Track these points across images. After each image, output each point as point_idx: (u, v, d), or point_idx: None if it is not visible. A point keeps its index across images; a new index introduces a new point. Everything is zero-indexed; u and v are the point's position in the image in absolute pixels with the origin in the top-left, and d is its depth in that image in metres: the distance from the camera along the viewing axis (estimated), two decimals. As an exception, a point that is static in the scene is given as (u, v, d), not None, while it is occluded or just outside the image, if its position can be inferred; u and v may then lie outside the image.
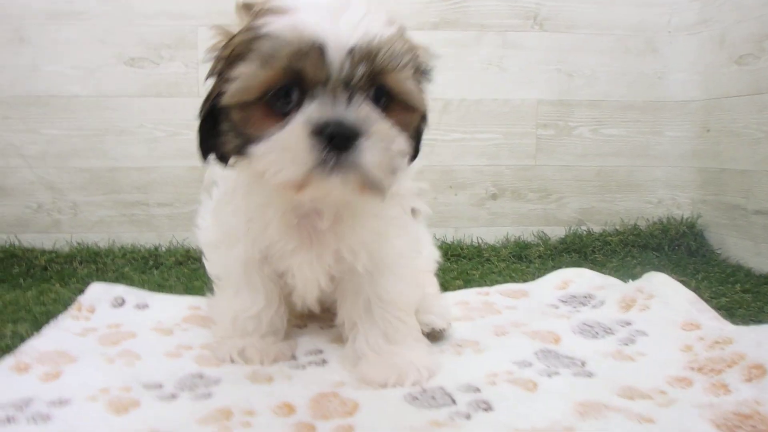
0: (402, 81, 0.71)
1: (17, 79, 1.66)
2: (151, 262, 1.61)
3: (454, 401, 0.75)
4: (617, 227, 1.85)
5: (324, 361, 0.90)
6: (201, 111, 0.75)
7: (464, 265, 1.63)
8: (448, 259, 1.67)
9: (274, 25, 0.66)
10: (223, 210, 0.87)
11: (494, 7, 1.78)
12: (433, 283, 1.10)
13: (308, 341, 0.98)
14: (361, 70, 0.66)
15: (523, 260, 1.70)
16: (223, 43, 0.74)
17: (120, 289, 1.20)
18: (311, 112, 0.66)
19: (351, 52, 0.65)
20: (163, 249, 1.67)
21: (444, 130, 1.81)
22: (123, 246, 1.68)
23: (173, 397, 0.77)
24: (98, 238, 1.70)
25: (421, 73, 0.77)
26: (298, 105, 0.67)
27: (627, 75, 1.85)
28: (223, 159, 0.76)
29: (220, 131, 0.73)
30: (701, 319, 0.95)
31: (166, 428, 0.67)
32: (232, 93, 0.68)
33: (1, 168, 1.68)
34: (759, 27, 1.57)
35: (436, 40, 1.77)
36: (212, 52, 0.75)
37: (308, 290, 0.87)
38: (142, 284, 1.44)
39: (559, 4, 1.80)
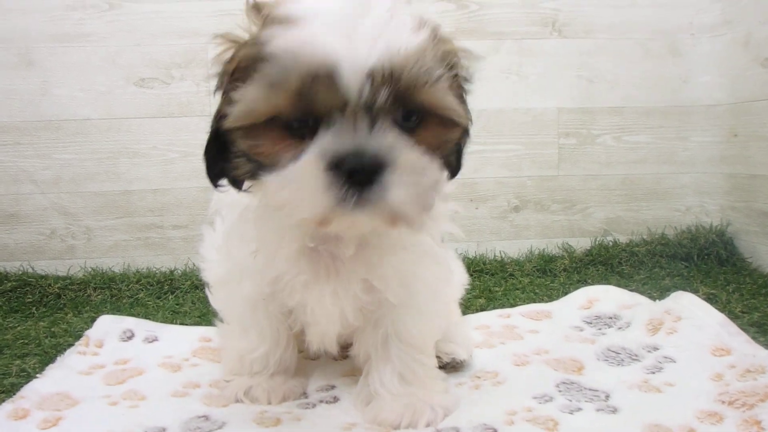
0: (437, 95, 0.60)
1: (27, 104, 1.63)
2: (166, 287, 1.57)
3: None
4: (644, 237, 1.79)
5: (335, 399, 0.86)
6: (209, 133, 0.67)
7: (487, 282, 1.58)
8: (471, 275, 1.61)
9: (280, 41, 0.56)
10: (229, 242, 0.79)
11: (511, 14, 1.73)
12: (457, 311, 1.05)
13: (320, 376, 0.94)
14: (384, 92, 0.56)
15: (547, 274, 1.65)
16: (228, 55, 0.64)
17: (129, 322, 1.17)
18: (327, 143, 0.56)
19: (371, 73, 0.55)
20: (179, 272, 1.63)
21: (463, 142, 1.76)
22: (138, 270, 1.64)
23: None
24: (113, 262, 1.67)
25: (461, 81, 0.68)
26: (313, 130, 0.58)
27: (649, 79, 1.79)
28: (236, 184, 0.67)
29: (230, 154, 0.64)
30: (732, 343, 0.91)
31: None
32: (236, 117, 0.59)
33: (14, 195, 1.65)
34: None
35: (453, 50, 1.73)
36: (217, 65, 0.65)
37: (329, 327, 0.79)
38: (157, 310, 1.41)
39: (577, 9, 1.75)
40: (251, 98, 0.58)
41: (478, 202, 1.78)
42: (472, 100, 1.75)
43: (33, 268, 1.63)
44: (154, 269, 1.65)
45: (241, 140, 0.61)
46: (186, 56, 1.65)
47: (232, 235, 0.79)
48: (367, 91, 0.55)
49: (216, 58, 0.66)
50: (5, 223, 1.66)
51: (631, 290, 1.32)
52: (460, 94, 0.67)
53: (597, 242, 1.78)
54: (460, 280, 1.07)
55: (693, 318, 0.98)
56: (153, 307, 1.44)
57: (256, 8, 0.63)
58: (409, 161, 0.58)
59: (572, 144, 1.79)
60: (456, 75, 0.66)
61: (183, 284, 1.57)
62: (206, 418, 0.79)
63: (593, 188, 1.81)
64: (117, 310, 1.40)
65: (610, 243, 1.77)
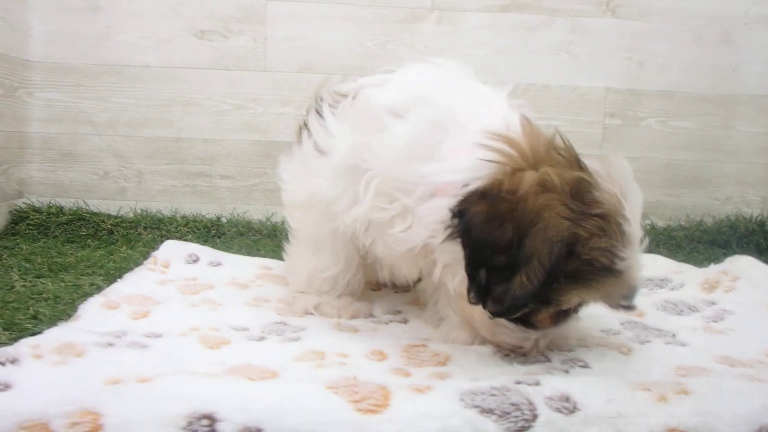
0: None
1: (90, 48, 1.68)
2: (213, 232, 1.62)
3: (548, 359, 0.73)
4: (682, 222, 1.80)
5: (405, 320, 0.90)
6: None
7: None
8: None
9: (627, 265, 0.65)
10: (334, 182, 0.80)
11: (566, -9, 1.74)
12: None
13: (385, 302, 0.98)
14: None
15: (585, 250, 1.66)
16: (557, 213, 0.64)
17: (193, 247, 1.22)
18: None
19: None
20: (224, 220, 1.68)
21: (508, 115, 1.78)
22: (185, 215, 1.69)
23: (262, 338, 0.77)
24: (161, 206, 1.72)
25: None
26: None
27: (700, 66, 1.79)
28: (510, 311, 0.68)
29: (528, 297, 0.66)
30: None
31: (261, 363, 0.66)
32: (561, 303, 0.68)
33: (72, 134, 1.71)
34: None
35: (505, 23, 1.75)
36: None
37: (408, 271, 0.84)
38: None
39: (633, -10, 1.75)
40: (584, 297, 0.69)
41: (518, 176, 1.80)
42: (519, 74, 1.78)
43: (87, 205, 1.69)
44: (201, 216, 1.70)
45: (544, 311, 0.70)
46: (245, 11, 1.69)
47: (321, 170, 0.82)
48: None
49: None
50: (62, 161, 1.72)
51: (671, 269, 1.33)
52: None
53: (634, 224, 1.79)
54: None
55: (751, 278, 1.00)
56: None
57: (581, 189, 0.66)
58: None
59: (617, 125, 1.80)
60: None
61: (229, 230, 1.62)
62: (284, 323, 0.83)
63: (635, 170, 1.78)
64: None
65: (648, 226, 1.78)
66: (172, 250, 1.18)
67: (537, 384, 0.60)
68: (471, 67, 0.85)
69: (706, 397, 0.59)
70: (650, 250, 1.62)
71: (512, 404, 0.54)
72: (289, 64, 1.72)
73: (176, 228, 1.62)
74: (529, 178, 0.65)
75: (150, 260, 1.14)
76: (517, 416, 0.53)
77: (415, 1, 1.71)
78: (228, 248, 1.49)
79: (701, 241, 1.72)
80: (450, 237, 0.67)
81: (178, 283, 1.03)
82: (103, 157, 1.73)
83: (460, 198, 0.66)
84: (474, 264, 0.66)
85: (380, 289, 1.05)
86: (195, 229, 1.63)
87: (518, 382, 0.61)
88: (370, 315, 0.91)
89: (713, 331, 0.87)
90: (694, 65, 1.79)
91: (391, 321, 0.90)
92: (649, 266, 1.23)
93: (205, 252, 1.21)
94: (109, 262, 1.27)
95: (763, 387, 0.61)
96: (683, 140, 1.82)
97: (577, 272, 0.64)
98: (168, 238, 1.57)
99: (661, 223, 1.80)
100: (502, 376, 0.66)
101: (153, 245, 1.49)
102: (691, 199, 1.84)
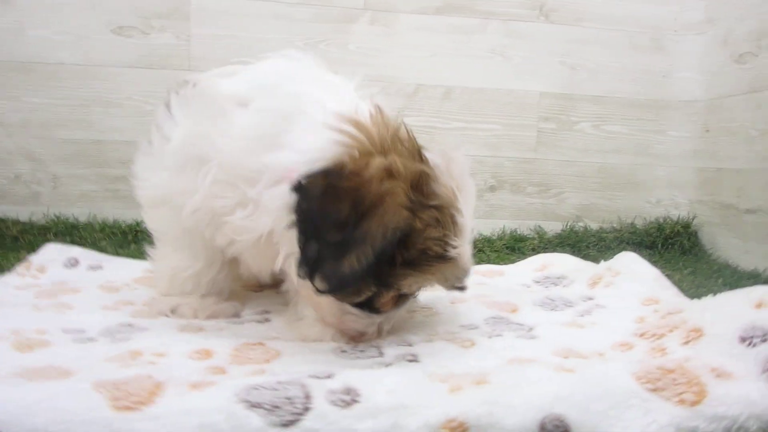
0: None
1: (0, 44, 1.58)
2: (130, 237, 1.54)
3: (381, 353, 0.72)
4: (614, 225, 1.82)
5: (267, 320, 0.87)
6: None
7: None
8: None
9: (458, 252, 0.69)
10: (176, 173, 0.78)
11: (501, -6, 1.74)
12: None
13: (259, 303, 0.94)
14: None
15: (516, 251, 1.67)
16: (395, 199, 0.66)
17: (76, 251, 1.16)
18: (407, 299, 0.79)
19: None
20: (145, 225, 1.60)
21: (444, 118, 1.76)
22: (103, 221, 1.60)
23: (90, 340, 0.73)
24: (79, 212, 1.63)
25: None
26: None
27: (632, 72, 1.82)
28: (337, 288, 0.67)
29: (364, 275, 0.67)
30: (663, 294, 0.94)
31: (64, 364, 0.63)
32: (400, 285, 0.70)
33: (-21, 135, 1.60)
34: (758, 24, 1.55)
35: (439, 25, 1.73)
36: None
37: (262, 268, 0.83)
38: (116, 255, 1.38)
39: (567, -5, 1.76)
40: (420, 280, 0.71)
41: (454, 180, 1.78)
42: (455, 77, 1.76)
43: (-6, 212, 1.58)
44: (121, 221, 1.61)
45: (385, 293, 0.72)
46: (168, 7, 1.62)
47: (180, 166, 0.78)
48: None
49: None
50: (-32, 165, 1.60)
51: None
52: None
53: (568, 227, 1.80)
54: None
55: (629, 273, 1.02)
56: (112, 254, 1.42)
57: (421, 181, 0.69)
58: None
59: (551, 128, 1.81)
60: None
61: (148, 236, 1.53)
62: (130, 325, 0.79)
63: (569, 174, 1.83)
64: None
65: (581, 228, 1.80)
66: (51, 253, 1.12)
67: (328, 377, 0.57)
68: (323, 60, 0.83)
69: (501, 386, 0.57)
70: (580, 251, 1.69)
71: (286, 398, 0.52)
72: (215, 63, 1.60)
73: (90, 234, 1.53)
74: (377, 163, 0.67)
75: (23, 264, 1.07)
76: (287, 410, 0.51)
77: (348, 1, 1.68)
78: (142, 254, 1.42)
79: (630, 243, 1.75)
80: (293, 223, 0.67)
81: (41, 289, 0.97)
82: (13, 160, 1.62)
83: (302, 175, 0.66)
84: (306, 235, 0.65)
85: (262, 290, 1.01)
86: (111, 235, 1.54)
87: (311, 376, 0.58)
88: (235, 315, 0.87)
89: (574, 325, 0.86)
90: (627, 71, 1.81)
91: (251, 321, 0.86)
92: (556, 265, 1.25)
93: (86, 255, 1.16)
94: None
95: (567, 376, 0.59)
96: (616, 144, 1.84)
97: (415, 260, 0.67)
98: (80, 245, 1.49)
99: (594, 225, 1.82)
100: (309, 369, 0.63)
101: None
102: (623, 202, 1.86)
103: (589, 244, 1.73)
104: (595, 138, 1.83)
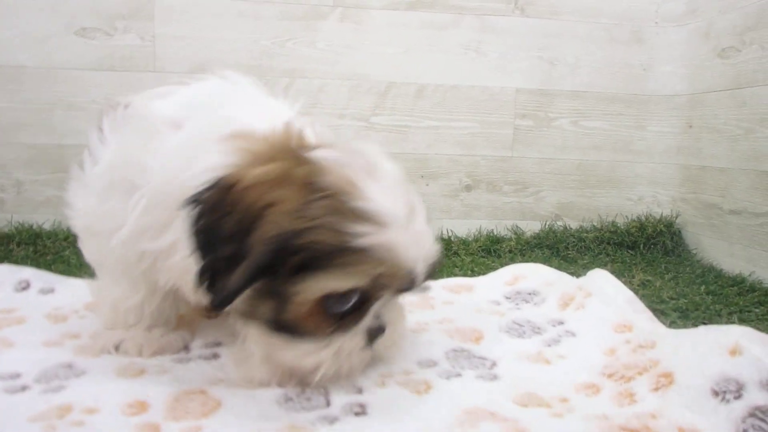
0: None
1: (-41, 46, 1.54)
2: (96, 246, 1.51)
3: (328, 403, 0.68)
4: (595, 224, 1.78)
5: (215, 355, 0.82)
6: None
7: (430, 259, 1.55)
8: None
9: (370, 241, 0.61)
10: (104, 198, 0.75)
11: (474, -12, 1.69)
12: None
13: (210, 332, 0.89)
14: (425, 277, 0.69)
15: (492, 255, 1.62)
16: (291, 226, 0.61)
17: (28, 273, 1.11)
18: (370, 321, 0.69)
19: (426, 266, 0.67)
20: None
21: (417, 117, 1.72)
22: (68, 228, 1.57)
23: (23, 389, 0.69)
24: (43, 218, 1.59)
25: None
26: (355, 309, 0.66)
27: (611, 66, 1.77)
28: (222, 304, 0.64)
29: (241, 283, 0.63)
30: (635, 320, 0.89)
31: None
32: (297, 296, 0.63)
33: (-60, 141, 1.57)
34: (742, 18, 1.50)
35: (412, 21, 1.68)
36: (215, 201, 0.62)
37: (202, 301, 0.76)
38: (80, 267, 1.35)
39: (542, -13, 1.71)
40: (325, 284, 0.63)
41: (429, 179, 1.74)
42: (428, 74, 1.72)
43: (-44, 219, 1.55)
44: (88, 228, 1.58)
45: (291, 307, 0.65)
46: (131, 7, 1.57)
47: (107, 192, 0.74)
48: (420, 282, 0.68)
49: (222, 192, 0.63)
50: (-71, 171, 1.57)
51: (570, 273, 1.30)
52: None
53: (546, 226, 1.76)
54: None
55: (602, 294, 0.96)
56: (76, 264, 1.38)
57: (309, 180, 0.63)
58: (399, 324, 0.76)
59: (528, 126, 1.76)
60: None
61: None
62: (69, 366, 0.75)
63: (547, 172, 1.79)
64: (37, 266, 1.33)
65: (560, 228, 1.76)
66: (3, 275, 1.08)
67: None
68: (262, 83, 0.81)
69: None
70: (559, 252, 1.65)
71: None
72: (180, 64, 1.61)
73: (54, 242, 1.50)
74: (257, 172, 0.63)
75: None
76: None
77: (316, -3, 1.63)
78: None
79: (610, 243, 1.71)
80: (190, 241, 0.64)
81: None
82: (-24, 165, 1.59)
83: (192, 194, 0.64)
84: (202, 249, 0.63)
85: (217, 316, 0.96)
86: (75, 243, 1.50)
87: None
88: (183, 349, 0.83)
89: (539, 359, 0.82)
90: (606, 65, 1.77)
91: (199, 357, 0.81)
92: (528, 278, 1.20)
93: (39, 277, 1.11)
94: None
95: None
96: (595, 141, 1.79)
97: (308, 261, 0.61)
98: (43, 255, 1.46)
99: (573, 224, 1.77)
100: (247, 428, 0.60)
101: (23, 264, 1.37)
102: (604, 200, 1.82)
103: (569, 244, 1.69)
104: (574, 134, 1.78)
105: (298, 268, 0.61)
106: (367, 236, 0.61)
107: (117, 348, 0.80)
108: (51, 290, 1.06)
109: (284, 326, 0.66)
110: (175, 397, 0.68)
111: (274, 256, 0.60)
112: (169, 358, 0.80)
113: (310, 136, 0.70)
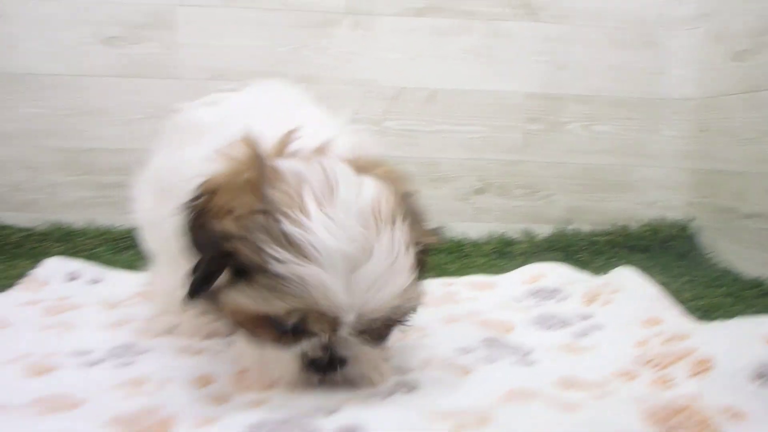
0: (409, 314, 0.68)
1: (-5, 56, 1.64)
2: (125, 243, 1.59)
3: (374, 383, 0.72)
4: (606, 227, 1.78)
5: None
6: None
7: (441, 259, 1.58)
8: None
9: (289, 270, 0.58)
10: (158, 198, 0.82)
11: (483, -6, 1.72)
12: None
13: None
14: (368, 331, 0.65)
15: (505, 257, 1.64)
16: (221, 227, 0.62)
17: (76, 265, 1.20)
18: (307, 348, 0.65)
19: (363, 317, 0.62)
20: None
21: (427, 121, 1.75)
22: (99, 227, 1.66)
23: (97, 363, 0.76)
24: (75, 218, 1.68)
25: (423, 274, 0.70)
26: (295, 332, 0.65)
27: (622, 69, 1.77)
28: (190, 299, 0.68)
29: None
30: (664, 315, 0.91)
31: (73, 392, 0.65)
32: (230, 302, 0.64)
33: (-23, 145, 1.67)
34: (757, 21, 1.49)
35: (421, 27, 1.72)
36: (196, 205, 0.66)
37: None
38: (113, 264, 1.42)
39: (552, -8, 1.73)
40: (243, 301, 0.62)
41: (440, 183, 1.78)
42: (438, 80, 1.75)
43: (-5, 217, 1.65)
44: (115, 227, 1.66)
45: (227, 310, 0.66)
46: (153, 17, 1.66)
47: (162, 196, 0.80)
48: (354, 328, 0.63)
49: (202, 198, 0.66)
50: (-32, 173, 1.68)
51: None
52: (421, 276, 0.68)
53: (558, 230, 1.77)
54: None
55: (629, 290, 0.99)
56: (108, 261, 1.46)
57: (261, 177, 0.63)
58: (371, 358, 0.68)
59: (538, 129, 1.78)
60: (422, 273, 0.68)
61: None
62: (132, 345, 0.82)
63: (557, 175, 1.80)
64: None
65: (571, 231, 1.77)
66: (53, 267, 1.16)
67: (333, 413, 0.58)
68: (310, 92, 0.85)
69: (507, 427, 0.57)
70: (571, 255, 1.66)
71: None
72: (200, 71, 1.68)
73: (87, 240, 1.59)
74: (222, 180, 0.65)
75: (25, 279, 1.12)
76: None
77: (328, 6, 1.69)
78: (136, 260, 1.46)
79: (623, 246, 1.71)
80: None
81: (45, 304, 1.01)
82: (12, 168, 1.69)
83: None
84: (188, 250, 0.67)
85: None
86: (106, 241, 1.59)
87: (317, 411, 0.59)
88: (232, 333, 0.89)
89: (572, 349, 0.85)
90: (616, 69, 1.77)
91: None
92: (548, 276, 1.23)
93: (87, 269, 1.20)
94: (3, 278, 1.23)
95: (575, 417, 0.59)
96: (606, 145, 1.80)
97: (242, 272, 0.61)
98: (79, 251, 1.54)
99: (585, 228, 1.78)
100: (311, 402, 0.64)
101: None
102: (615, 204, 1.82)
103: (581, 247, 1.70)
104: (585, 138, 1.79)
105: (235, 276, 0.62)
106: (286, 264, 0.58)
107: (173, 331, 0.87)
108: (99, 281, 1.15)
109: (235, 323, 0.68)
110: (236, 373, 0.74)
111: (213, 255, 0.62)
112: (222, 341, 0.86)
113: (339, 146, 0.68)
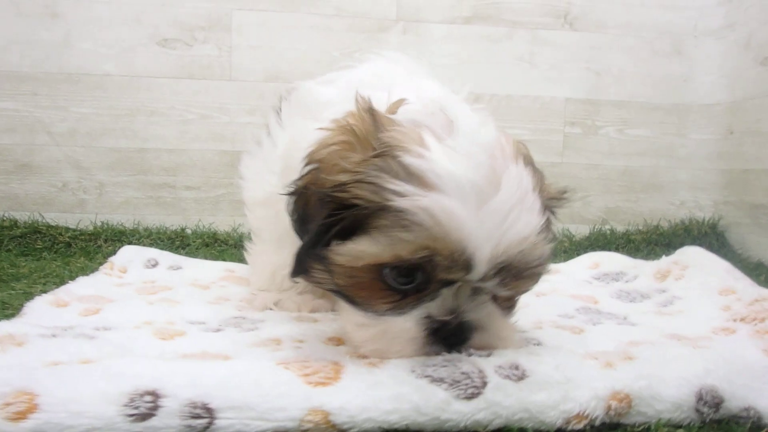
0: (541, 268, 0.61)
1: (48, 56, 1.65)
2: (177, 243, 1.59)
3: None
4: (640, 227, 1.85)
5: None
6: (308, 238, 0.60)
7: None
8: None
9: (414, 202, 0.52)
10: (284, 177, 0.79)
11: (526, 4, 1.81)
12: None
13: None
14: (500, 275, 0.57)
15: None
16: (337, 178, 0.57)
17: (153, 252, 1.21)
18: (433, 309, 0.58)
19: (496, 259, 0.55)
20: (189, 231, 1.65)
21: (473, 124, 1.81)
22: (148, 227, 1.65)
23: (218, 330, 0.76)
24: (123, 218, 1.68)
25: (551, 222, 0.65)
26: (419, 289, 0.58)
27: (653, 76, 1.87)
28: (295, 271, 0.64)
29: (319, 259, 0.61)
30: (737, 285, 0.96)
31: (217, 350, 0.65)
32: (345, 258, 0.57)
33: (28, 145, 1.66)
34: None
35: (469, 34, 1.80)
36: (315, 162, 0.61)
37: None
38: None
39: (589, 3, 1.83)
40: (365, 248, 0.56)
41: (484, 183, 1.83)
42: (483, 84, 1.81)
43: (43, 218, 1.63)
44: (165, 227, 1.66)
45: (339, 274, 0.59)
46: (210, 20, 1.69)
47: (278, 171, 0.81)
48: (489, 275, 0.56)
49: (318, 151, 0.62)
50: (17, 173, 1.66)
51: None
52: (551, 238, 0.63)
53: (596, 229, 1.83)
54: None
55: (699, 266, 1.04)
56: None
57: (373, 115, 0.59)
58: (498, 326, 0.62)
59: (577, 133, 1.85)
60: (548, 218, 0.64)
61: (194, 241, 1.59)
62: (243, 317, 0.83)
63: (594, 177, 1.87)
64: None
65: (608, 231, 1.83)
66: (130, 255, 1.16)
67: (489, 355, 0.61)
68: (427, 64, 0.86)
69: (650, 362, 0.61)
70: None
71: (463, 373, 0.55)
72: (255, 73, 1.72)
73: (138, 240, 1.58)
74: (335, 140, 0.62)
75: (106, 265, 1.11)
76: (467, 383, 0.54)
77: (381, 12, 1.75)
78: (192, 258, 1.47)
79: (658, 244, 1.78)
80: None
81: (136, 286, 1.01)
82: (61, 168, 1.68)
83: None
84: (297, 227, 0.64)
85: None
86: (158, 241, 1.59)
87: (471, 354, 0.61)
88: (332, 310, 0.90)
89: (663, 314, 0.90)
90: (648, 76, 1.87)
91: None
92: (606, 262, 1.29)
93: (164, 256, 1.20)
94: (65, 272, 1.23)
95: (705, 353, 0.64)
96: (639, 148, 1.88)
97: (353, 225, 0.56)
98: (129, 248, 1.54)
99: (619, 228, 1.85)
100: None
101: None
102: (647, 204, 1.90)
103: (619, 246, 1.76)
104: (619, 142, 1.87)
105: (348, 231, 0.56)
106: (408, 197, 0.52)
107: (276, 304, 0.88)
108: (179, 267, 1.14)
109: (344, 296, 0.62)
110: None
111: (324, 212, 0.57)
112: (328, 314, 0.88)
113: (452, 113, 0.62)
